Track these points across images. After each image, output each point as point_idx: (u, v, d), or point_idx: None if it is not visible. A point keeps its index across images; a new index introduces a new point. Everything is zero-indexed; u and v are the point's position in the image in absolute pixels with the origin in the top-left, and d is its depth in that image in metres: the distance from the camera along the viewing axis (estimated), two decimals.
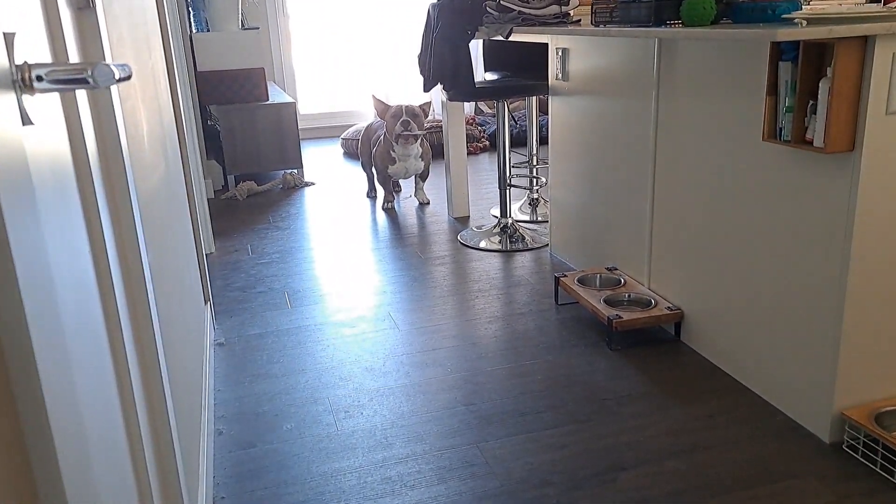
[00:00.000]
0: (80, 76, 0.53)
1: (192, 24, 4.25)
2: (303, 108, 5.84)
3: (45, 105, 0.65)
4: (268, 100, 4.18)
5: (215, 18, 4.21)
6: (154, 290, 1.08)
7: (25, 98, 0.53)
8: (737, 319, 1.91)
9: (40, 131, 0.61)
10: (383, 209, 3.73)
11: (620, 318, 2.13)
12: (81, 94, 0.80)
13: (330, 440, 1.72)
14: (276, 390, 1.96)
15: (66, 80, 0.53)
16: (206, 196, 3.08)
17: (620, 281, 2.39)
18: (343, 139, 5.19)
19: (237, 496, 1.55)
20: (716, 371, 1.98)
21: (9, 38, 0.49)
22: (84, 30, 0.85)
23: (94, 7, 0.86)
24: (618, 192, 2.44)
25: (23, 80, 0.52)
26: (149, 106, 1.45)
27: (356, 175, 4.43)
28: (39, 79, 0.53)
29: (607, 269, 2.49)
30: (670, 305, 2.19)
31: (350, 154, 5.03)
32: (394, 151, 3.67)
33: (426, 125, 3.82)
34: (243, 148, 4.12)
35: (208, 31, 4.31)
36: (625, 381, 1.95)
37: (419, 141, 3.70)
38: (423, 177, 3.86)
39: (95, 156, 0.84)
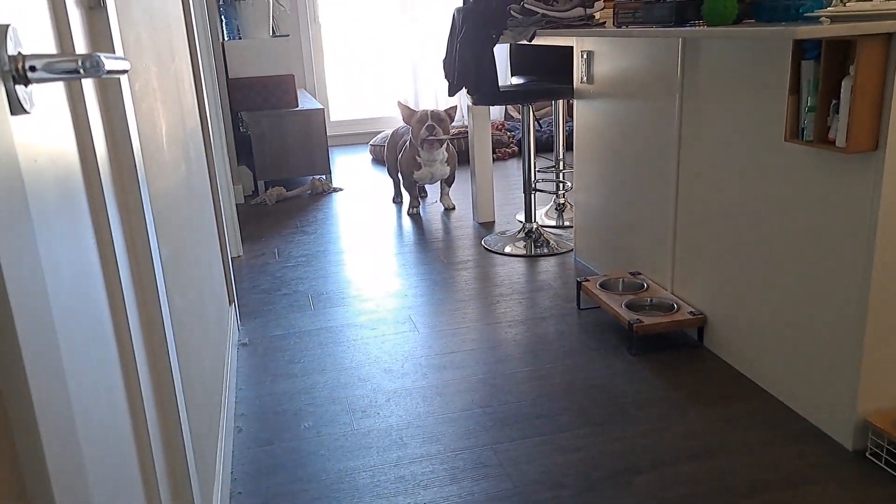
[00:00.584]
0: (72, 66, 0.55)
1: (224, 31, 4.33)
2: (333, 115, 5.91)
3: (47, 99, 0.67)
4: (297, 106, 4.24)
5: (246, 26, 4.29)
6: (167, 294, 1.11)
7: (20, 89, 0.55)
8: (760, 324, 1.88)
9: (39, 123, 0.63)
10: (409, 214, 3.74)
11: (641, 322, 2.11)
12: (90, 92, 0.82)
13: (346, 439, 1.74)
14: (295, 389, 1.98)
15: (59, 70, 0.55)
16: (235, 201, 3.13)
17: (643, 285, 2.37)
18: (371, 145, 5.24)
19: (254, 491, 1.57)
20: (738, 376, 1.95)
21: (1, 30, 0.51)
22: (94, 29, 0.88)
23: (106, 7, 0.88)
24: (641, 195, 2.42)
25: (16, 69, 0.54)
26: (170, 109, 1.49)
27: (383, 181, 4.47)
28: (33, 69, 0.55)
29: (630, 273, 2.47)
30: (693, 310, 2.16)
31: (378, 160, 5.07)
32: (419, 157, 3.69)
33: (452, 130, 3.84)
34: (273, 154, 4.18)
35: (240, 38, 4.39)
36: (643, 384, 1.93)
37: (444, 146, 3.71)
38: (448, 182, 3.86)
39: (105, 153, 0.86)
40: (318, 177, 4.31)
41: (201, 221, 1.86)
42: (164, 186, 1.29)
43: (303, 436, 1.76)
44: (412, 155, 3.72)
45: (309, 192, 4.23)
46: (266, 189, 4.15)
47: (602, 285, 2.40)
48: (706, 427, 1.72)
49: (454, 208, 3.83)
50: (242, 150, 4.43)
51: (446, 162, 3.74)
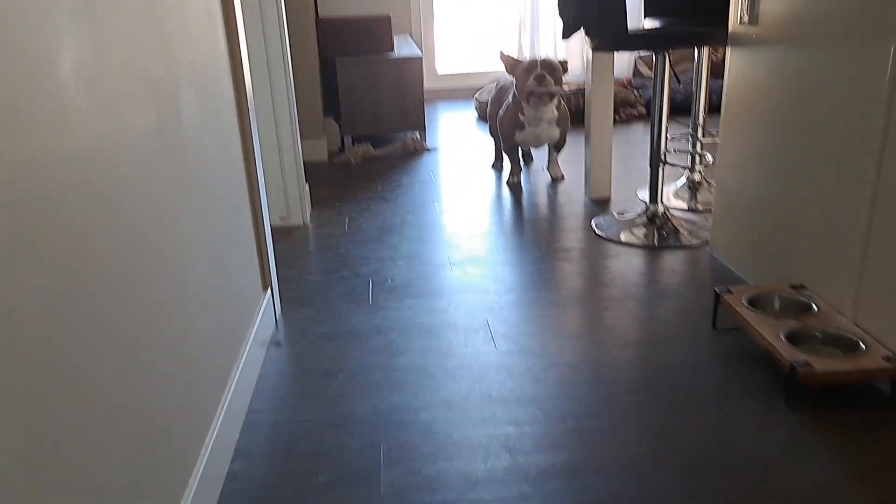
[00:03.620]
0: None
1: None
2: (440, 67, 5.36)
3: None
4: (392, 53, 3.72)
5: None
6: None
7: None
8: None
9: None
10: (508, 184, 3.16)
11: (810, 367, 1.47)
12: None
13: None
14: (323, 420, 1.50)
15: None
16: (301, 159, 2.68)
17: (810, 306, 1.71)
18: (476, 100, 4.66)
19: None
20: None
21: None
22: None
23: None
24: (818, 182, 1.73)
25: None
26: (111, 35, 1.01)
27: (485, 141, 3.89)
28: None
29: (791, 287, 1.81)
30: (889, 354, 1.49)
31: (483, 117, 4.49)
32: (523, 115, 3.07)
33: (566, 87, 3.21)
34: (361, 106, 3.70)
35: None
36: (812, 465, 1.31)
37: (555, 101, 3.07)
38: (557, 147, 3.22)
39: None
40: (411, 134, 3.80)
41: (202, 185, 1.39)
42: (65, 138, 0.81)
43: (313, 499, 1.28)
44: (515, 112, 3.10)
45: (400, 151, 3.73)
46: (353, 145, 3.69)
47: (751, 302, 1.76)
48: None
49: (563, 178, 3.20)
50: (332, 100, 3.99)
51: (556, 122, 3.10)
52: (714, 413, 1.48)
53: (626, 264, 2.26)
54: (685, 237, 2.42)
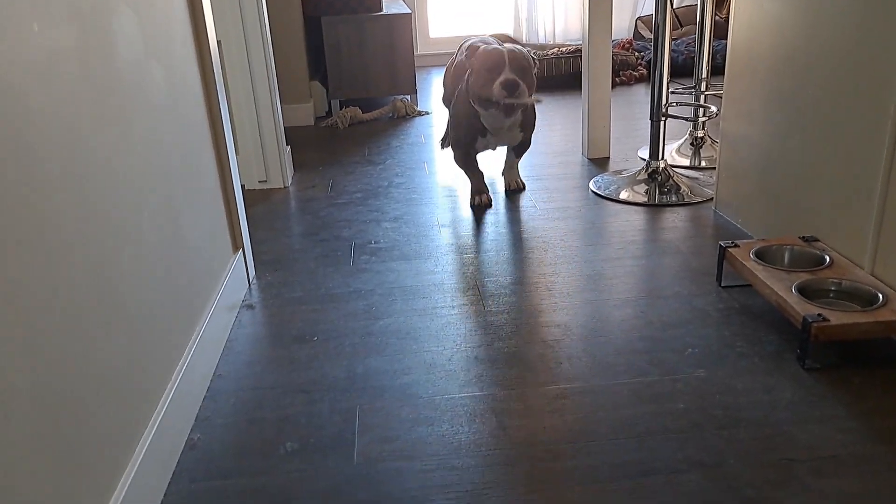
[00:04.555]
0: None
1: None
2: (434, 31, 5.19)
3: None
4: (381, 11, 3.56)
5: None
6: None
7: None
8: None
9: None
10: (473, 207, 2.31)
11: (825, 320, 1.34)
12: None
13: (341, 481, 1.12)
14: (291, 385, 1.38)
15: None
16: (281, 123, 2.53)
17: (824, 260, 1.57)
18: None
19: None
20: None
21: None
22: None
23: None
24: (832, 127, 1.59)
25: None
26: None
27: None
28: None
29: (802, 238, 1.67)
30: None
31: None
32: (483, 120, 2.22)
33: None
34: (349, 68, 3.55)
35: None
36: (827, 427, 1.18)
37: (532, 99, 2.18)
38: (518, 150, 2.42)
39: None
40: (401, 97, 3.65)
41: (144, 132, 1.26)
42: None
43: (279, 468, 1.16)
44: (469, 111, 2.22)
45: (390, 114, 3.58)
46: (340, 109, 3.54)
47: (759, 255, 1.62)
48: None
49: (523, 188, 2.44)
50: (319, 62, 3.84)
51: (520, 126, 2.30)
52: (718, 373, 1.35)
53: (626, 223, 2.12)
54: (687, 194, 2.29)
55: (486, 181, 2.40)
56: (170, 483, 1.13)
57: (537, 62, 2.22)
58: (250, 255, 1.85)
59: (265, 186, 2.54)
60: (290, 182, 2.60)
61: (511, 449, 1.17)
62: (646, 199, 2.28)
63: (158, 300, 1.20)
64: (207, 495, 1.10)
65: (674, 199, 2.27)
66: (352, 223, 2.21)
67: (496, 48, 2.13)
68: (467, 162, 2.35)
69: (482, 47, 2.17)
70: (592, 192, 2.39)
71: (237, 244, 1.77)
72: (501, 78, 2.07)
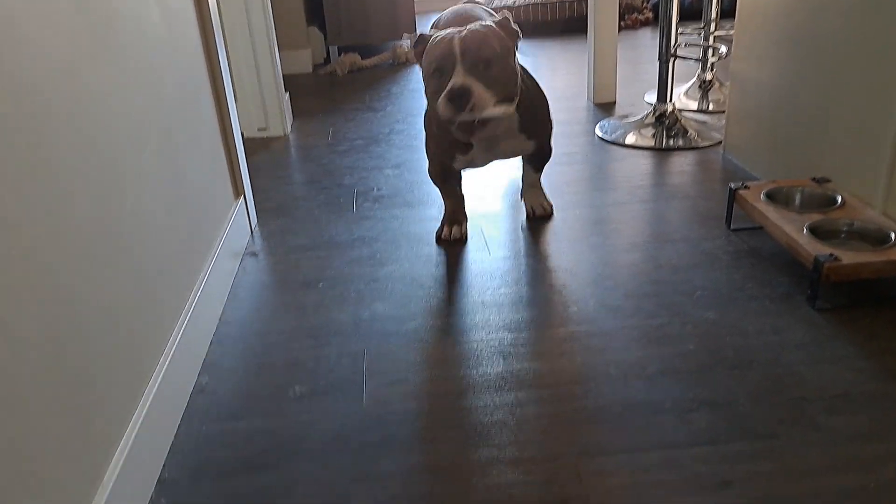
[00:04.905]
0: None
1: None
2: None
3: None
4: None
5: None
6: None
7: None
8: None
9: None
10: (439, 240, 1.71)
11: (836, 259, 1.32)
12: None
13: (352, 421, 1.12)
14: (298, 331, 1.37)
15: None
16: (279, 69, 2.48)
17: (835, 200, 1.55)
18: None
19: (190, 492, 0.99)
20: None
21: None
22: None
23: None
24: (845, 66, 1.55)
25: None
26: None
27: None
28: None
29: (814, 180, 1.64)
30: None
31: None
32: (457, 133, 1.49)
33: None
34: (348, 14, 3.46)
35: None
36: (839, 368, 1.18)
37: (514, 102, 1.47)
38: (535, 161, 1.76)
39: None
40: (401, 43, 3.57)
41: (142, 72, 1.22)
42: None
43: (288, 411, 1.16)
44: (440, 120, 1.48)
45: (390, 61, 3.51)
46: (339, 56, 3.47)
47: (769, 196, 1.60)
48: None
49: (551, 213, 1.81)
50: (317, 9, 3.75)
51: (519, 128, 1.59)
52: (728, 315, 1.34)
53: (633, 167, 2.09)
54: (696, 138, 2.25)
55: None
56: (180, 424, 1.13)
57: (520, 33, 1.50)
58: (252, 203, 1.82)
59: (265, 134, 2.50)
60: (289, 130, 2.56)
61: (519, 390, 1.17)
62: (653, 144, 2.24)
63: (162, 241, 1.18)
64: (217, 437, 1.10)
65: (681, 142, 2.23)
66: (353, 171, 2.17)
67: (444, 38, 1.43)
68: (443, 179, 1.71)
69: (435, 36, 1.47)
70: (598, 136, 2.35)
71: (238, 190, 1.74)
72: (449, 86, 1.38)
